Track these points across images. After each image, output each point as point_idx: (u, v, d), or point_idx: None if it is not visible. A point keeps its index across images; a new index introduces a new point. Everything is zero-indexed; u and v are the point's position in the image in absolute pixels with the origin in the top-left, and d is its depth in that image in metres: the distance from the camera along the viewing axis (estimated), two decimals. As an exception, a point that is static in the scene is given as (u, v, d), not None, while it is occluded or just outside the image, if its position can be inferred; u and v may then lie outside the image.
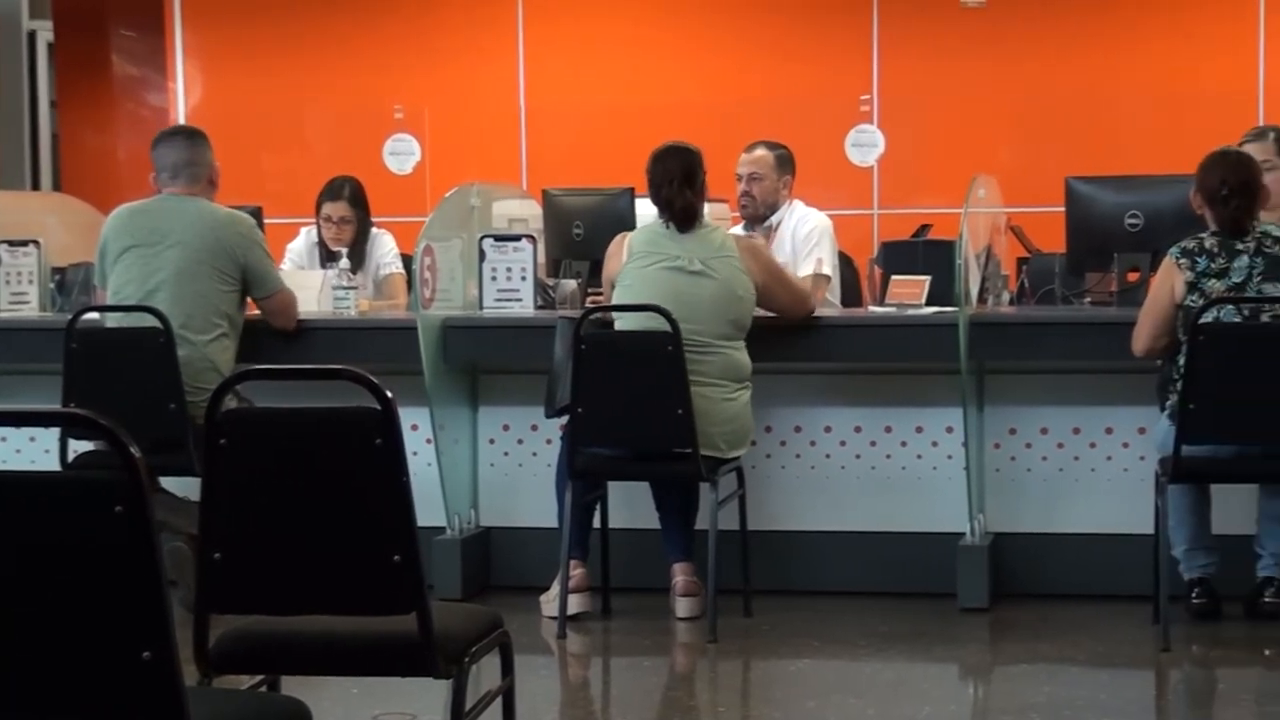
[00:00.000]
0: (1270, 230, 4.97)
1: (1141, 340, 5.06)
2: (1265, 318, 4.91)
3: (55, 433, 5.58)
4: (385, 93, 9.10)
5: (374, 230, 6.70)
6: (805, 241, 6.27)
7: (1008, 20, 8.53)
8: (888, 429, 5.64)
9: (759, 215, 6.34)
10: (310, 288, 6.03)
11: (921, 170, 8.56)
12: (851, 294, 6.58)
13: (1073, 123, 8.39)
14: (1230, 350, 4.84)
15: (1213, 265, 4.92)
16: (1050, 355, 5.42)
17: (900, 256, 6.11)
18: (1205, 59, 8.33)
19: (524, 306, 5.88)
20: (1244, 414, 4.84)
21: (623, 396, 5.14)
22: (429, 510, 5.44)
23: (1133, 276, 5.58)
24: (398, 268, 6.65)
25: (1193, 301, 4.89)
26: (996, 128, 8.52)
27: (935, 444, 5.60)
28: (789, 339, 5.45)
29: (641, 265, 5.28)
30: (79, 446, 5.44)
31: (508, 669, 3.37)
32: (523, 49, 9.08)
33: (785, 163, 6.36)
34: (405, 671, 3.11)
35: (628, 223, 5.79)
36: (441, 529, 5.66)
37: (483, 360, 5.85)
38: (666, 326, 5.04)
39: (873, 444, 5.65)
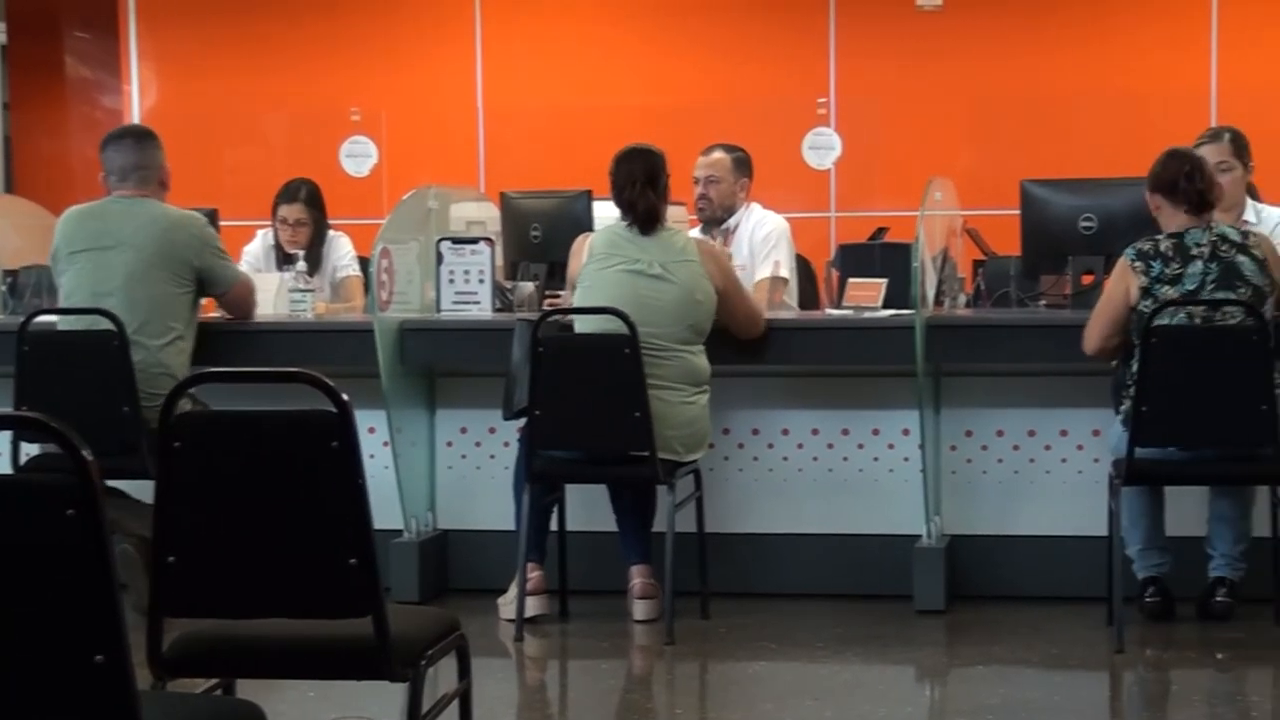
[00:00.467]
0: (1228, 234, 4.98)
1: (1093, 339, 5.08)
2: (1218, 320, 4.93)
3: (7, 436, 5.54)
4: (342, 95, 9.08)
5: (331, 233, 6.69)
6: (763, 244, 6.28)
7: (964, 23, 8.57)
8: (845, 431, 5.65)
9: (716, 218, 6.35)
10: (267, 290, 6.01)
11: (878, 173, 8.59)
12: (809, 297, 6.59)
13: (1028, 125, 8.44)
14: (1182, 354, 4.87)
15: (1167, 270, 4.94)
16: (1006, 358, 5.45)
17: (857, 259, 6.12)
18: (1159, 62, 8.39)
19: (482, 309, 5.87)
20: (1195, 417, 4.88)
21: (580, 399, 5.14)
22: (386, 513, 5.45)
23: (1087, 279, 5.61)
24: (355, 270, 6.63)
25: (1146, 306, 4.92)
26: (953, 130, 8.56)
27: (892, 446, 5.61)
28: (746, 341, 5.45)
29: (601, 267, 5.28)
30: (31, 450, 5.40)
31: (464, 672, 3.37)
32: (480, 51, 9.07)
33: (743, 165, 6.37)
34: (361, 675, 3.10)
35: (585, 225, 5.79)
36: (399, 532, 5.64)
37: (440, 363, 5.84)
38: (625, 329, 5.04)
39: (830, 446, 5.66)
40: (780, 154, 8.42)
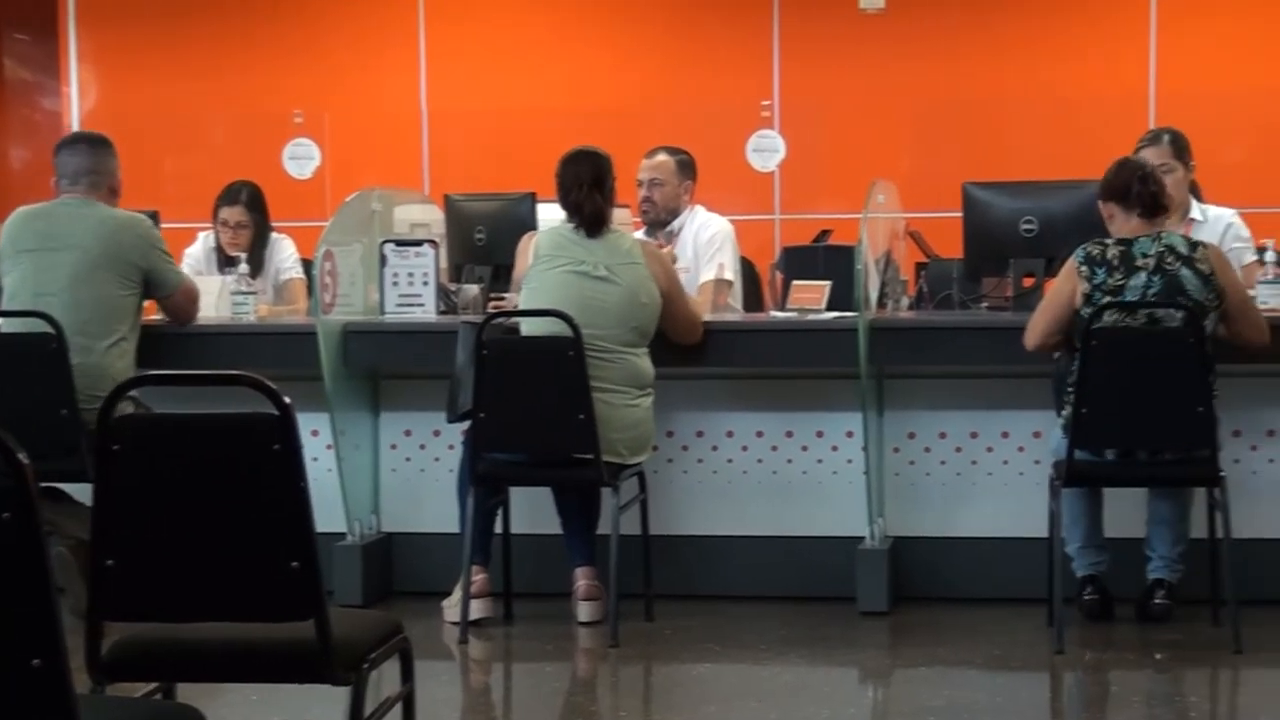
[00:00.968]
0: (1175, 245, 4.99)
1: (1034, 335, 5.10)
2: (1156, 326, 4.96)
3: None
4: (284, 97, 9.03)
5: (273, 235, 6.66)
6: (707, 246, 6.29)
7: (906, 26, 8.61)
8: (789, 433, 5.67)
9: (660, 220, 6.35)
10: (209, 293, 5.98)
11: (822, 176, 8.62)
12: (753, 299, 6.61)
13: (970, 128, 8.49)
14: (1121, 357, 4.90)
15: (1110, 280, 4.94)
16: (948, 360, 5.48)
17: (801, 261, 6.15)
18: (1098, 66, 8.45)
19: (426, 311, 5.86)
20: (1134, 420, 4.92)
21: (525, 402, 5.14)
22: (329, 516, 5.41)
23: (1028, 281, 5.65)
24: (298, 273, 6.61)
25: (1087, 312, 4.94)
26: (896, 133, 8.60)
27: (835, 448, 5.63)
28: (690, 343, 5.46)
29: (546, 268, 5.28)
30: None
31: (407, 675, 3.36)
32: (424, 53, 9.05)
33: (686, 168, 6.38)
34: (303, 678, 3.08)
35: (530, 227, 5.78)
36: (342, 535, 5.62)
37: (384, 365, 5.83)
38: (569, 332, 5.04)
39: (774, 448, 5.67)
40: (724, 156, 8.44)
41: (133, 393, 4.03)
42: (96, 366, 5.27)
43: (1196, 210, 5.95)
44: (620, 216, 6.05)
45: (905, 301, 5.98)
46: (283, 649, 3.05)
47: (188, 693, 3.24)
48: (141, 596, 2.97)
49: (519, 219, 5.98)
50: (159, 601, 2.98)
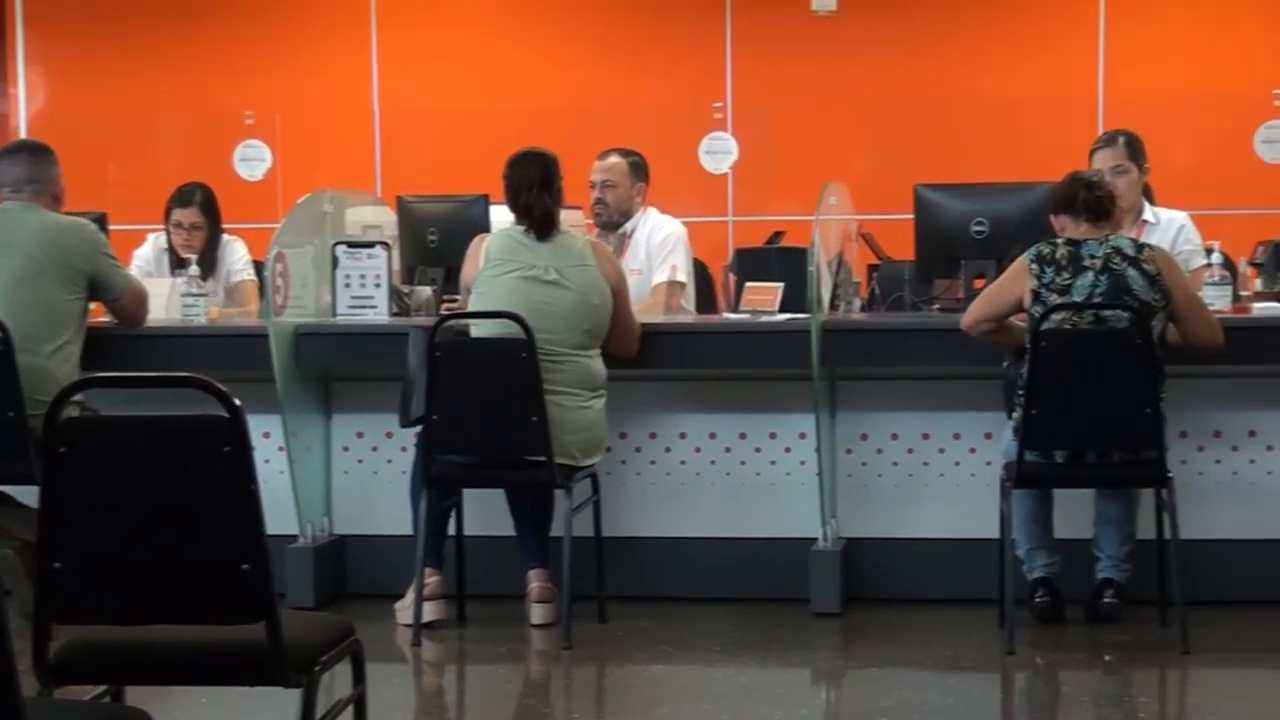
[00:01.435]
0: (1122, 247, 5.03)
1: (971, 315, 5.14)
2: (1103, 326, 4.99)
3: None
4: (235, 98, 9.00)
5: (225, 237, 6.63)
6: (660, 248, 6.30)
7: (858, 28, 8.64)
8: (742, 435, 5.68)
9: (613, 222, 6.35)
10: (158, 295, 5.95)
11: (774, 177, 8.64)
12: (706, 301, 6.62)
13: (922, 130, 8.53)
14: (1070, 359, 4.93)
15: (1057, 280, 4.98)
16: (900, 361, 5.50)
17: (754, 263, 6.16)
18: (1048, 68, 8.50)
19: (378, 313, 5.84)
20: (1083, 421, 4.95)
21: (477, 404, 5.13)
22: (281, 518, 5.40)
23: (979, 283, 5.66)
24: (249, 275, 6.58)
25: (1036, 311, 4.98)
26: (848, 135, 8.63)
27: (789, 450, 5.64)
28: (644, 345, 5.46)
29: (497, 273, 5.27)
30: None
31: (359, 677, 3.35)
32: (376, 54, 9.02)
33: (639, 170, 6.38)
34: (254, 681, 3.07)
35: (483, 229, 5.76)
36: (294, 537, 5.60)
37: (336, 367, 5.81)
38: (520, 334, 5.03)
39: (727, 450, 5.68)
40: (677, 158, 8.45)
41: (79, 396, 4.01)
42: (41, 370, 5.23)
43: (1149, 213, 6.01)
44: (573, 218, 6.05)
45: (857, 303, 6.00)
46: (233, 651, 3.04)
47: (137, 695, 3.22)
48: (89, 599, 2.95)
49: (472, 221, 5.96)
50: (107, 604, 2.97)
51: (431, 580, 5.32)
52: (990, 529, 5.20)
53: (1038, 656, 4.98)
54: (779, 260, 6.08)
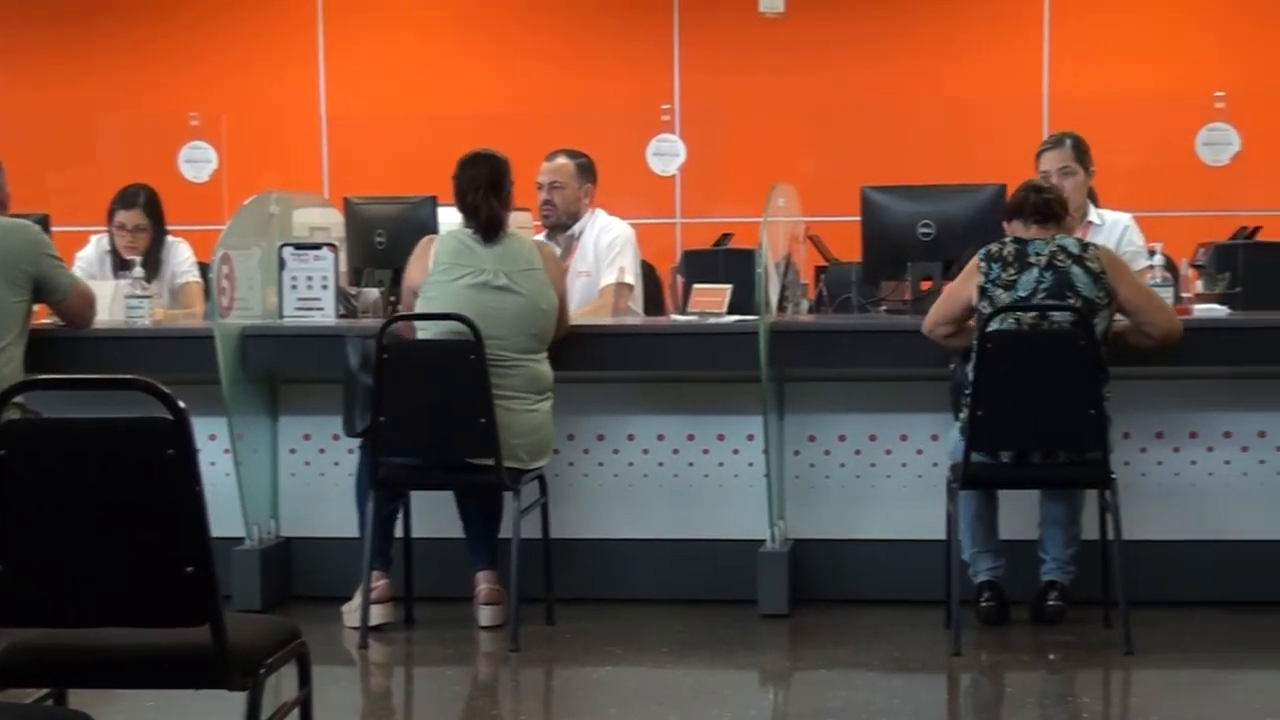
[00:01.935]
0: (1067, 245, 5.07)
1: (930, 319, 5.20)
2: (1045, 326, 5.03)
3: None
4: (180, 99, 8.94)
5: (169, 239, 6.59)
6: (608, 250, 6.30)
7: (806, 30, 8.67)
8: (690, 437, 5.68)
9: (561, 224, 6.35)
10: (102, 297, 5.91)
11: (722, 179, 8.66)
12: (654, 302, 6.62)
13: (869, 132, 8.56)
14: (1014, 360, 4.96)
15: (1003, 275, 5.04)
16: (848, 362, 5.52)
17: (702, 265, 6.17)
18: (993, 71, 8.55)
19: (325, 315, 5.82)
20: (1028, 422, 4.98)
21: (425, 406, 5.11)
22: (228, 520, 5.40)
23: (926, 285, 5.70)
24: (194, 276, 6.55)
25: (983, 308, 5.02)
26: (795, 137, 8.66)
27: (736, 451, 5.65)
28: (592, 347, 5.47)
29: (446, 280, 5.24)
30: None
31: (305, 680, 3.34)
32: (323, 56, 9.00)
33: (586, 171, 6.38)
34: (199, 684, 3.06)
35: (430, 231, 5.75)
36: (241, 539, 5.58)
37: (283, 369, 5.78)
38: (468, 336, 5.02)
39: (675, 452, 5.69)
40: (625, 160, 8.46)
41: (20, 398, 3.97)
42: (-18, 372, 5.19)
43: (1094, 214, 6.09)
44: (520, 220, 6.04)
45: (805, 305, 6.02)
46: (178, 654, 3.02)
47: (80, 699, 3.20)
48: (33, 601, 2.93)
49: (419, 222, 5.95)
50: (51, 607, 2.95)
51: (379, 584, 5.30)
52: (937, 530, 5.22)
53: (983, 656, 5.01)
54: (727, 262, 6.10)
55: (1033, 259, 5.04)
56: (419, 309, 5.29)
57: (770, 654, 5.18)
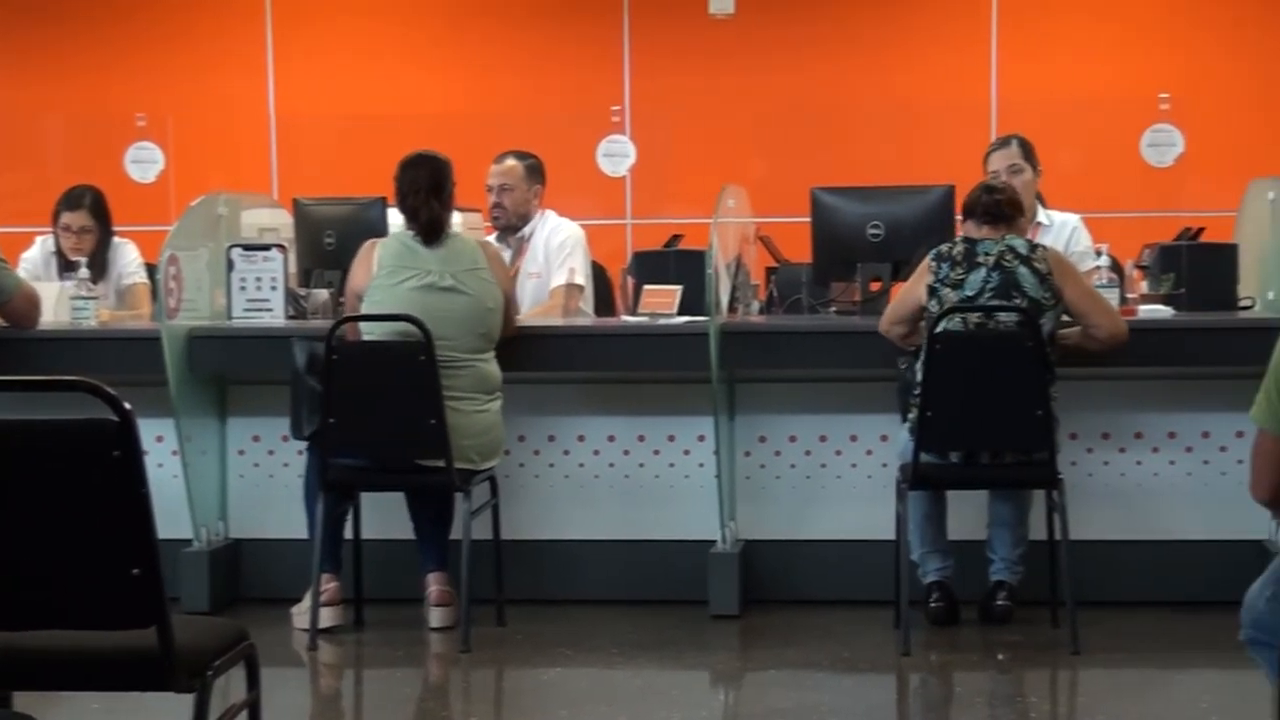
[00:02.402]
0: (1015, 246, 5.10)
1: (885, 320, 5.24)
2: (991, 326, 5.05)
3: None
4: (126, 100, 8.88)
5: (115, 240, 6.55)
6: (558, 251, 6.30)
7: (756, 32, 8.68)
8: (640, 437, 5.68)
9: (511, 226, 6.35)
10: (48, 298, 5.87)
11: (673, 180, 8.67)
12: (604, 304, 6.62)
13: (819, 133, 8.58)
14: (961, 359, 4.98)
15: (951, 275, 5.07)
16: (798, 363, 5.53)
17: (652, 266, 6.17)
18: (942, 73, 8.58)
19: (274, 316, 5.80)
20: (976, 423, 5.01)
21: (375, 407, 5.10)
22: (176, 522, 5.36)
23: (875, 286, 5.72)
24: (141, 278, 6.51)
25: (932, 307, 5.04)
26: (745, 138, 8.67)
27: (687, 452, 5.66)
28: (543, 348, 5.47)
29: (391, 283, 5.22)
30: None
31: (253, 682, 3.32)
32: (272, 56, 8.95)
33: (535, 172, 6.38)
34: (145, 686, 3.04)
35: (380, 232, 5.74)
36: (189, 541, 5.55)
37: (231, 370, 5.76)
38: (417, 337, 5.01)
39: (626, 453, 5.69)
40: (575, 161, 8.45)
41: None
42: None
43: (1042, 215, 6.14)
44: (471, 221, 6.04)
45: (756, 306, 6.04)
46: (124, 657, 3.00)
47: (25, 701, 3.18)
48: (-23, 605, 2.90)
49: (369, 223, 5.93)
50: (-5, 610, 2.92)
51: (329, 586, 5.28)
52: (887, 530, 5.24)
53: (933, 657, 5.03)
54: (677, 263, 6.09)
55: (981, 259, 5.08)
56: (365, 312, 5.27)
57: (721, 654, 5.19)
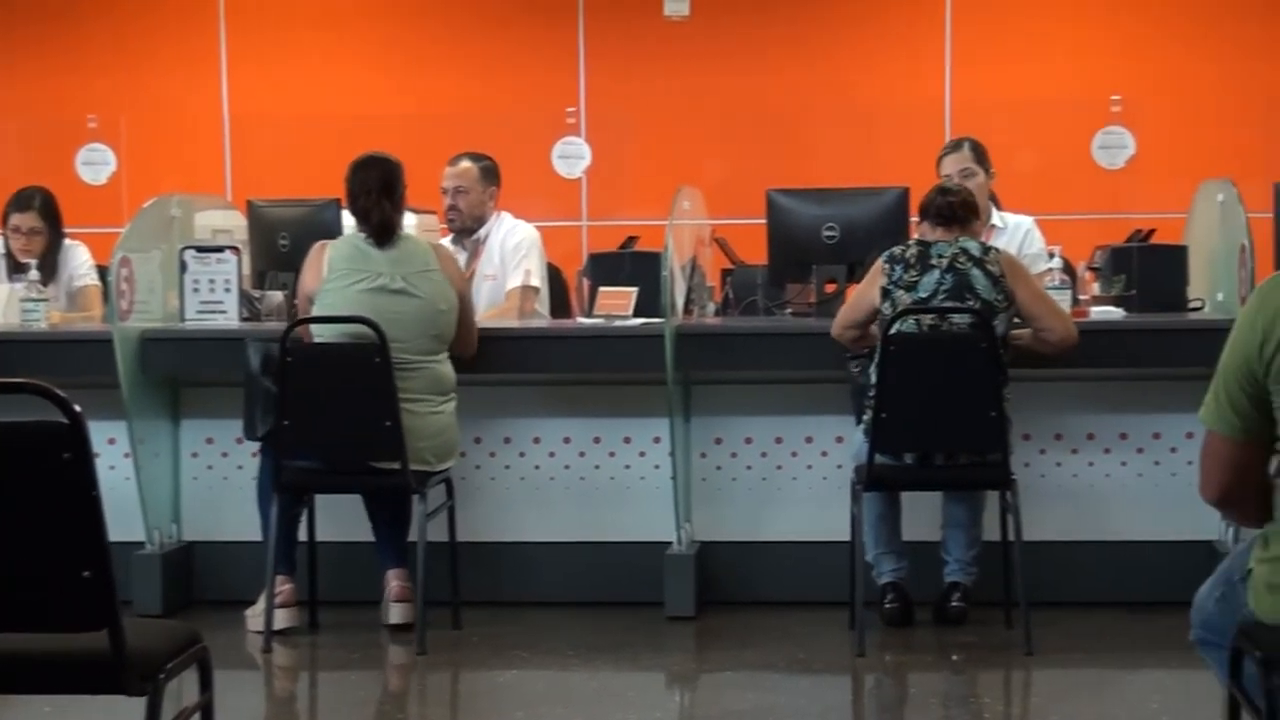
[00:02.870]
0: (969, 248, 5.13)
1: (837, 322, 5.25)
2: (944, 328, 5.07)
3: None
4: (78, 101, 8.83)
5: (66, 242, 6.52)
6: (514, 253, 6.29)
7: (710, 33, 8.69)
8: (596, 439, 5.68)
9: (466, 228, 6.34)
10: (-3, 300, 5.84)
11: (628, 182, 8.67)
12: (560, 305, 6.62)
13: (774, 135, 8.60)
14: (915, 361, 5.00)
15: (905, 277, 5.09)
16: (753, 365, 5.54)
17: (608, 268, 6.17)
18: (897, 76, 8.62)
19: (228, 318, 5.77)
20: (930, 424, 5.03)
21: (330, 409, 5.08)
22: (128, 525, 5.34)
23: (830, 287, 5.74)
24: (93, 280, 6.47)
25: (886, 309, 5.06)
26: (701, 140, 8.68)
27: (643, 454, 5.66)
28: (498, 350, 5.46)
29: (342, 285, 5.20)
30: None
31: (206, 685, 3.30)
32: (226, 57, 8.91)
33: (490, 174, 6.37)
34: (97, 689, 3.02)
35: (334, 233, 5.71)
36: (141, 544, 5.52)
37: (184, 373, 5.73)
38: (371, 339, 4.99)
39: (581, 454, 5.69)
40: (530, 163, 8.45)
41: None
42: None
43: (996, 217, 6.18)
44: (427, 223, 6.03)
45: (711, 307, 6.04)
46: (75, 660, 2.99)
47: (-25, 707, 3.16)
48: (-75, 609, 2.88)
49: (323, 225, 5.91)
50: (-56, 613, 2.90)
51: (284, 588, 5.26)
52: (842, 531, 5.25)
53: (887, 657, 5.05)
54: (633, 265, 6.09)
55: (934, 261, 5.10)
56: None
57: (676, 656, 5.19)
